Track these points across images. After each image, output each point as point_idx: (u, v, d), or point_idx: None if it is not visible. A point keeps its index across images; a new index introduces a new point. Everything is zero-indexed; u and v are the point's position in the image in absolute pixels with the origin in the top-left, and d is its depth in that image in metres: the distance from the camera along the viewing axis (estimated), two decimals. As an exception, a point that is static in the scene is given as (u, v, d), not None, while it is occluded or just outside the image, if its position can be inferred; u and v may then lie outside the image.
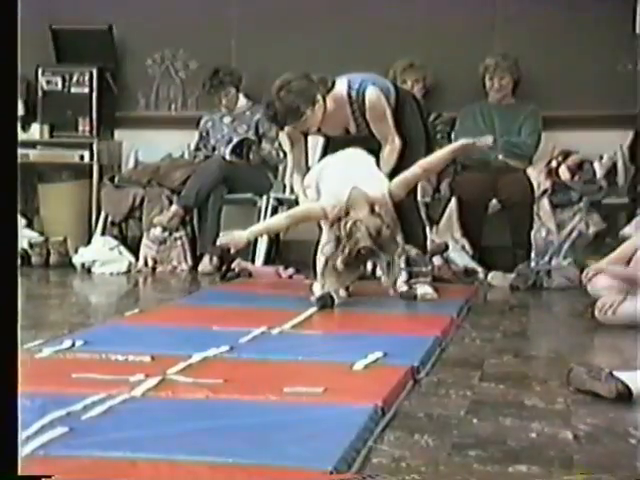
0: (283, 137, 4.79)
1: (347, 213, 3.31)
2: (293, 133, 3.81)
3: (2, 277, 1.41)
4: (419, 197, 4.83)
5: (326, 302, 3.42)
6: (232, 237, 3.53)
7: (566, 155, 4.99)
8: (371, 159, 3.63)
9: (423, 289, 3.87)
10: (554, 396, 2.24)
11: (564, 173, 4.90)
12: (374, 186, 3.41)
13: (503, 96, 5.18)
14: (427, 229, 4.42)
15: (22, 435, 1.68)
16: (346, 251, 3.24)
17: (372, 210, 3.31)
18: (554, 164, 4.94)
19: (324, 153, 3.89)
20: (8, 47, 1.51)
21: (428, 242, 4.59)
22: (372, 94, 3.66)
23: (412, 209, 3.97)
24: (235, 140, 5.25)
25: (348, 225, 3.27)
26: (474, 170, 5.02)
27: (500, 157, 5.03)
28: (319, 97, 3.59)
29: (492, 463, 1.73)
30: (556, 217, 4.77)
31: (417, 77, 5.21)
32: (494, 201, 4.93)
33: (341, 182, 3.44)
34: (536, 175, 4.90)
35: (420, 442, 1.86)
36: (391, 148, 3.70)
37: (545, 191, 4.84)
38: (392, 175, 3.58)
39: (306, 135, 3.86)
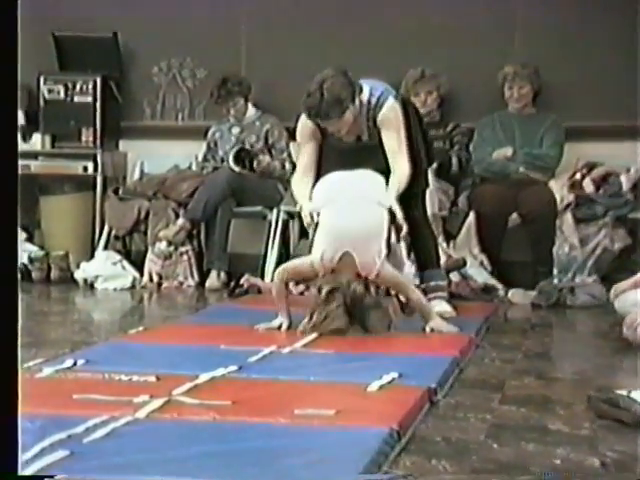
0: (294, 147, 4.80)
1: (333, 271, 3.26)
2: (314, 133, 3.77)
3: (1, 294, 1.42)
4: (436, 210, 4.85)
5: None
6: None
7: (591, 167, 4.98)
8: (380, 187, 3.53)
9: (441, 306, 3.85)
10: (579, 421, 2.22)
11: (588, 186, 4.88)
12: (376, 240, 3.32)
13: (523, 106, 5.17)
14: (440, 243, 4.44)
15: (21, 458, 1.68)
16: (314, 319, 3.19)
17: (358, 276, 3.24)
18: (578, 176, 4.93)
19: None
20: (8, 55, 1.52)
21: (443, 258, 4.60)
22: (390, 106, 3.67)
23: (422, 224, 3.95)
24: (234, 150, 5.26)
25: (324, 291, 3.21)
26: (493, 182, 5.02)
27: (521, 170, 5.02)
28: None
29: (514, 490, 1.71)
30: (580, 232, 4.75)
31: (430, 88, 5.21)
32: (514, 215, 4.92)
33: (342, 220, 3.37)
34: (559, 188, 4.89)
35: (438, 467, 1.84)
36: (399, 174, 3.62)
37: (568, 205, 4.82)
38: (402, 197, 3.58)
39: (321, 137, 3.80)
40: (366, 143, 3.77)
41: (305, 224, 3.63)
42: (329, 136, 3.72)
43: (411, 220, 3.74)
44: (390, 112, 3.68)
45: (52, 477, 1.52)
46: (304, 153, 3.78)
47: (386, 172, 3.67)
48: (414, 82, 5.17)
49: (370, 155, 3.71)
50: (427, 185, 4.00)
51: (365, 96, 3.69)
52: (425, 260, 3.94)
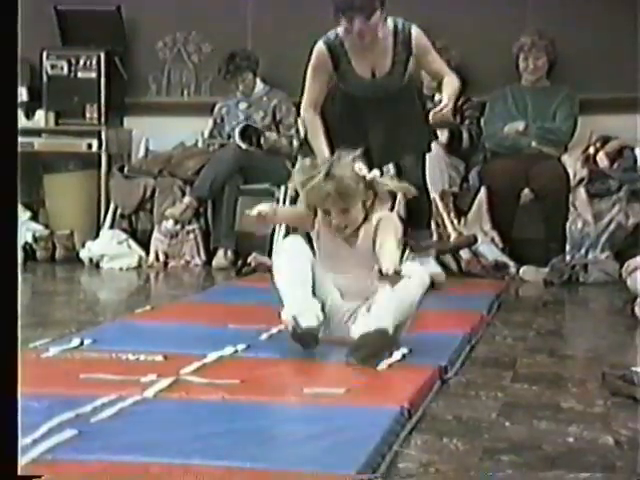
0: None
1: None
2: (327, 65, 3.87)
3: (1, 274, 1.42)
4: (446, 186, 4.84)
5: (307, 339, 2.56)
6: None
7: (604, 141, 4.95)
8: None
9: (431, 268, 3.95)
10: (592, 398, 2.23)
11: (602, 160, 4.86)
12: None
13: (537, 78, 5.14)
14: (451, 220, 4.50)
15: (29, 438, 1.69)
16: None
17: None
18: (591, 151, 4.90)
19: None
20: (8, 29, 1.52)
21: (454, 235, 4.61)
22: (419, 31, 3.89)
23: (419, 186, 4.01)
24: (240, 126, 5.25)
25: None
26: (505, 157, 5.00)
27: (533, 144, 5.00)
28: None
29: (526, 469, 1.72)
30: (593, 207, 4.73)
31: None
32: (526, 190, 4.90)
33: None
34: (572, 163, 4.86)
35: (449, 446, 1.85)
36: (451, 88, 3.85)
37: (582, 180, 4.80)
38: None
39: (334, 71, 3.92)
40: (380, 82, 3.88)
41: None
42: (342, 72, 3.85)
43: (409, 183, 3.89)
44: (421, 36, 3.89)
45: (40, 477, 1.52)
46: (315, 83, 3.89)
47: (394, 128, 3.89)
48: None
49: (379, 107, 3.89)
50: (429, 149, 4.17)
51: (390, 24, 3.84)
52: (417, 220, 4.15)
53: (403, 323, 2.58)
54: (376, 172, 2.56)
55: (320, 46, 3.84)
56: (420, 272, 2.64)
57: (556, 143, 5.02)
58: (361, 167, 2.55)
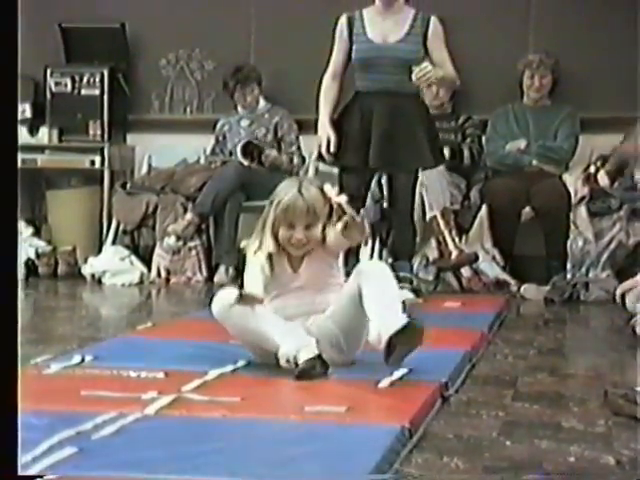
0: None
1: None
2: (343, 32, 4.27)
3: (1, 290, 1.43)
4: (447, 204, 4.84)
5: (313, 369, 2.46)
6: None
7: (605, 160, 4.96)
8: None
9: (404, 295, 4.01)
10: (594, 418, 2.22)
11: (603, 179, 4.86)
12: None
13: (540, 97, 5.16)
14: (453, 238, 4.58)
15: (29, 455, 1.69)
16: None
17: None
18: (592, 169, 4.91)
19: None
20: (8, 47, 1.53)
21: (455, 252, 4.62)
22: (438, 21, 4.23)
23: (405, 216, 4.31)
24: (242, 143, 5.26)
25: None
26: (506, 176, 5.01)
27: (534, 162, 5.01)
28: None
29: (527, 488, 1.71)
30: (594, 226, 4.73)
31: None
32: (527, 209, 4.91)
33: None
34: (573, 181, 4.87)
35: (450, 465, 1.84)
36: (448, 72, 4.18)
37: (582, 198, 4.81)
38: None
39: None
40: (392, 47, 4.17)
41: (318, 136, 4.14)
42: (355, 35, 4.20)
43: (396, 212, 4.30)
44: (439, 24, 4.23)
45: (42, 477, 1.52)
46: (336, 53, 4.29)
47: (396, 132, 4.13)
48: None
49: (388, 112, 4.14)
50: (417, 178, 4.36)
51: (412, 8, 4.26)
52: (398, 250, 4.34)
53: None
54: (343, 197, 2.57)
55: (341, 16, 4.30)
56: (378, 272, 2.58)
57: (557, 162, 5.03)
58: (330, 189, 2.57)
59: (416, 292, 4.25)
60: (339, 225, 2.48)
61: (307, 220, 2.55)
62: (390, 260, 4.38)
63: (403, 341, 2.41)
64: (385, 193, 4.79)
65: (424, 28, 4.20)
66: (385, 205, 4.87)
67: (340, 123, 4.24)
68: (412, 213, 4.32)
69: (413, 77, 4.04)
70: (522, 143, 5.01)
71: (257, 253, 2.63)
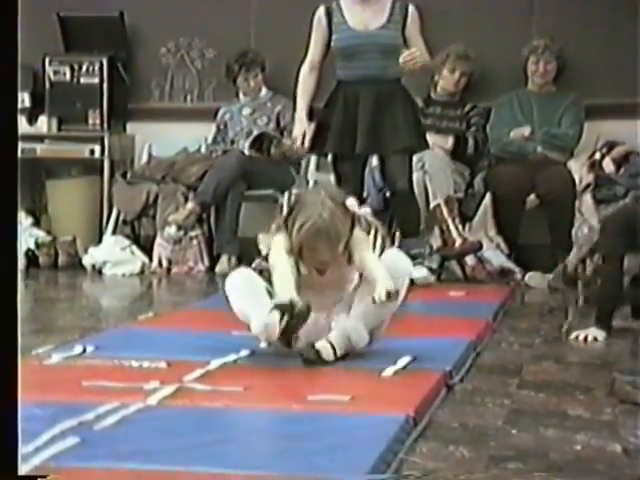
0: None
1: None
2: (321, 22, 4.34)
3: (1, 280, 1.43)
4: (451, 192, 4.84)
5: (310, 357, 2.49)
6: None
7: (611, 146, 4.94)
8: None
9: (420, 272, 4.17)
10: (600, 406, 2.22)
11: (608, 166, 4.85)
12: None
13: (545, 83, 5.13)
14: (456, 226, 4.61)
15: (31, 446, 1.69)
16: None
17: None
18: (597, 156, 4.90)
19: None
20: (7, 36, 1.52)
21: (459, 241, 4.62)
22: (414, 8, 4.29)
23: (406, 193, 4.34)
24: (254, 134, 5.26)
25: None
26: (510, 163, 4.99)
27: (539, 149, 4.99)
28: None
29: (533, 476, 1.71)
30: (599, 213, 4.72)
31: (466, 69, 5.15)
32: (532, 196, 4.90)
33: None
34: (578, 168, 4.86)
35: (455, 454, 1.84)
36: (419, 48, 4.19)
37: (588, 185, 4.80)
38: None
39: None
40: (375, 34, 4.20)
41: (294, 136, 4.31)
42: (335, 24, 4.25)
43: (396, 192, 4.34)
44: (416, 13, 4.28)
45: (45, 477, 1.53)
46: (314, 44, 4.33)
47: (381, 119, 4.18)
48: (457, 58, 5.09)
49: (371, 100, 4.19)
50: (414, 152, 4.41)
51: None
52: (406, 228, 4.38)
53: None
54: (367, 209, 2.59)
55: (318, 7, 4.35)
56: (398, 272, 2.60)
57: (562, 149, 5.02)
58: (352, 203, 2.57)
59: (431, 269, 4.34)
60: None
61: (330, 242, 2.51)
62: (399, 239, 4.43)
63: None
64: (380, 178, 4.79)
65: (403, 16, 4.25)
66: (388, 194, 4.87)
67: (325, 113, 4.30)
68: (412, 191, 4.38)
69: (400, 60, 4.10)
70: (526, 130, 4.99)
71: (282, 254, 2.57)
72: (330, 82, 4.40)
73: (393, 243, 4.70)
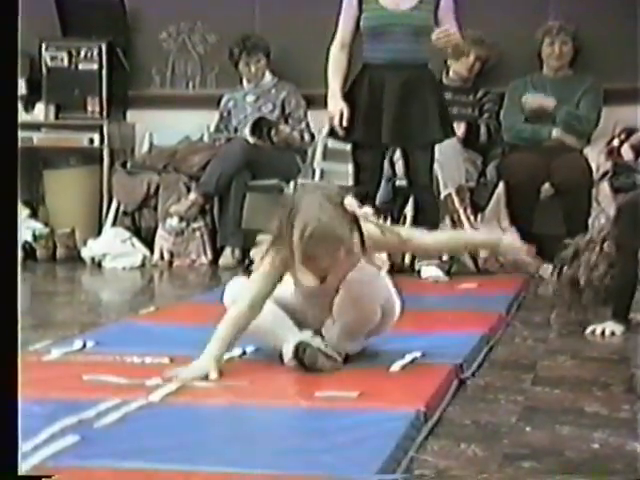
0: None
1: None
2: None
3: (1, 275, 1.43)
4: (463, 181, 4.83)
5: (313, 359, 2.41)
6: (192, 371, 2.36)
7: (629, 133, 4.93)
8: None
9: (432, 271, 4.21)
10: (618, 403, 2.22)
11: (627, 153, 4.84)
12: None
13: (561, 66, 5.11)
14: (468, 216, 4.62)
15: (30, 444, 1.70)
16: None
17: None
18: (616, 143, 4.88)
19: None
20: (8, 21, 1.52)
21: (470, 230, 4.62)
22: None
23: (426, 187, 4.35)
24: (252, 119, 5.25)
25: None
26: (524, 151, 4.98)
27: (554, 135, 4.97)
28: None
29: (548, 476, 1.71)
30: (617, 202, 4.71)
31: (481, 53, 5.14)
32: (547, 185, 4.89)
33: None
34: (595, 155, 4.85)
35: (467, 452, 1.85)
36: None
37: (605, 173, 4.79)
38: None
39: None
40: (407, 14, 4.15)
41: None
42: (366, 2, 4.19)
43: (416, 186, 4.35)
44: None
45: (50, 477, 1.54)
46: (344, 22, 4.24)
47: (408, 109, 4.11)
48: (472, 42, 5.08)
49: (397, 87, 4.14)
50: (440, 140, 4.37)
51: None
52: (423, 223, 4.23)
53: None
54: (368, 209, 2.51)
55: None
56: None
57: (580, 133, 4.98)
58: (352, 203, 2.44)
59: (446, 271, 4.33)
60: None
61: (331, 247, 2.37)
62: None
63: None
64: (397, 170, 4.79)
65: None
66: (398, 183, 4.87)
67: (349, 98, 4.24)
68: (431, 183, 4.37)
69: (433, 37, 4.06)
70: (550, 101, 4.95)
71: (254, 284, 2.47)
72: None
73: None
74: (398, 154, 4.64)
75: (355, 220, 2.42)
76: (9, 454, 1.40)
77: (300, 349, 2.38)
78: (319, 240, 2.34)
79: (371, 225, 2.45)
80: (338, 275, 2.46)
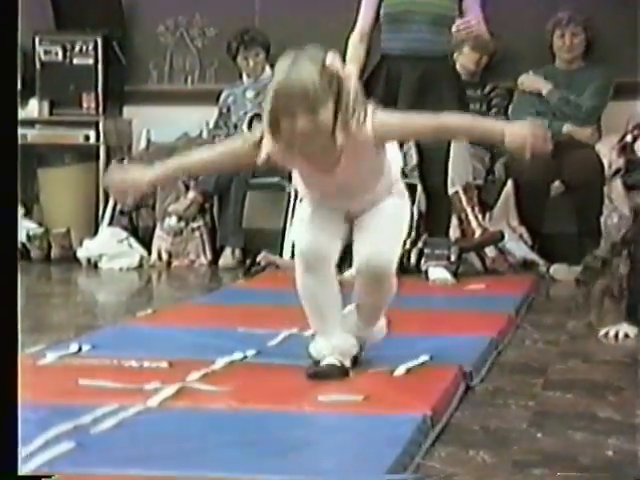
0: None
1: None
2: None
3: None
4: (470, 179, 4.83)
5: (328, 375, 2.38)
6: (126, 178, 2.47)
7: (643, 128, 4.92)
8: None
9: (440, 273, 4.18)
10: (632, 407, 2.22)
11: (640, 149, 4.83)
12: None
13: (573, 58, 5.09)
14: (476, 215, 4.59)
15: (24, 451, 1.70)
16: None
17: None
18: (629, 139, 4.87)
19: None
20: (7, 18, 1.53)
21: (479, 231, 4.61)
22: None
23: (439, 191, 4.31)
24: (249, 114, 5.25)
25: None
26: (534, 147, 4.97)
27: (565, 129, 4.96)
28: None
29: (560, 483, 1.71)
30: (630, 200, 4.71)
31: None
32: (557, 182, 4.88)
33: None
34: (607, 151, 4.84)
35: (476, 459, 1.84)
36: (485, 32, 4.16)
37: (618, 170, 4.78)
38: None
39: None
40: (429, 1, 4.09)
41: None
42: None
43: (429, 186, 4.30)
44: None
45: (50, 477, 1.54)
46: (363, 10, 4.17)
47: (423, 101, 4.00)
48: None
49: (415, 79, 4.11)
50: (449, 149, 4.30)
51: None
52: (434, 227, 4.34)
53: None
54: (352, 68, 2.38)
55: None
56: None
57: (574, 120, 4.95)
58: (334, 59, 2.28)
59: (453, 273, 4.30)
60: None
61: (308, 104, 2.18)
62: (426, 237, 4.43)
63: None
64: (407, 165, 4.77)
65: None
66: (405, 181, 4.85)
67: (365, 90, 4.20)
68: (446, 187, 4.33)
69: (453, 29, 4.01)
70: (546, 86, 4.94)
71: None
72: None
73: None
74: (405, 150, 4.63)
75: (338, 80, 2.25)
76: (9, 454, 1.41)
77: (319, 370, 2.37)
78: (290, 95, 2.19)
79: (381, 114, 2.33)
80: (348, 167, 2.29)
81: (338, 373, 2.36)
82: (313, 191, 2.44)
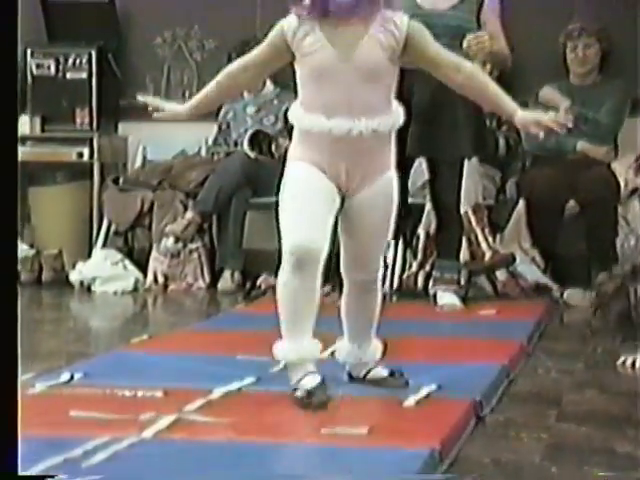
0: None
1: None
2: None
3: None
4: (480, 199, 4.83)
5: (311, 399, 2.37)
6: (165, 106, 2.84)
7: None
8: None
9: (448, 299, 4.16)
10: (651, 441, 2.21)
11: (659, 168, 4.84)
12: None
13: (588, 71, 5.09)
14: (486, 237, 4.61)
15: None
16: None
17: None
18: (646, 157, 4.88)
19: None
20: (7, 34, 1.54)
21: (489, 253, 4.61)
22: None
23: (451, 211, 4.30)
24: (250, 132, 5.27)
25: None
26: (547, 165, 4.98)
27: (579, 146, 4.97)
28: None
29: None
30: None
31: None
32: (571, 202, 4.88)
33: None
34: (623, 170, 4.84)
35: (486, 494, 1.84)
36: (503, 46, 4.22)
37: (635, 190, 4.79)
38: None
39: None
40: (444, 14, 4.07)
41: None
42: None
43: (441, 204, 4.29)
44: None
45: (52, 477, 1.55)
46: None
47: (434, 117, 4.06)
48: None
49: (429, 92, 4.05)
50: (462, 167, 4.30)
51: None
52: (443, 249, 4.35)
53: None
54: None
55: None
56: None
57: (592, 138, 4.95)
58: None
59: (462, 298, 4.28)
60: None
61: None
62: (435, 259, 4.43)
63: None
64: (409, 187, 4.78)
65: None
66: (411, 200, 4.86)
67: None
68: (458, 206, 4.31)
69: (464, 44, 3.99)
70: (564, 102, 4.95)
71: None
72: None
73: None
74: (413, 170, 4.63)
75: None
76: (9, 455, 1.43)
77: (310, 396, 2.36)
78: None
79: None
80: (365, 52, 2.47)
81: (321, 392, 2.36)
82: (317, 105, 2.50)
